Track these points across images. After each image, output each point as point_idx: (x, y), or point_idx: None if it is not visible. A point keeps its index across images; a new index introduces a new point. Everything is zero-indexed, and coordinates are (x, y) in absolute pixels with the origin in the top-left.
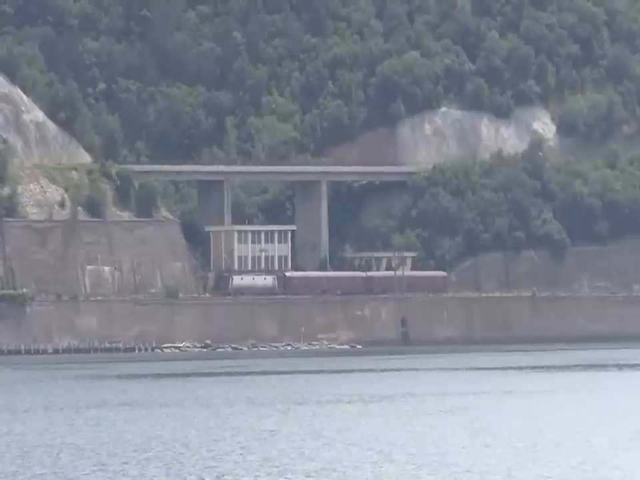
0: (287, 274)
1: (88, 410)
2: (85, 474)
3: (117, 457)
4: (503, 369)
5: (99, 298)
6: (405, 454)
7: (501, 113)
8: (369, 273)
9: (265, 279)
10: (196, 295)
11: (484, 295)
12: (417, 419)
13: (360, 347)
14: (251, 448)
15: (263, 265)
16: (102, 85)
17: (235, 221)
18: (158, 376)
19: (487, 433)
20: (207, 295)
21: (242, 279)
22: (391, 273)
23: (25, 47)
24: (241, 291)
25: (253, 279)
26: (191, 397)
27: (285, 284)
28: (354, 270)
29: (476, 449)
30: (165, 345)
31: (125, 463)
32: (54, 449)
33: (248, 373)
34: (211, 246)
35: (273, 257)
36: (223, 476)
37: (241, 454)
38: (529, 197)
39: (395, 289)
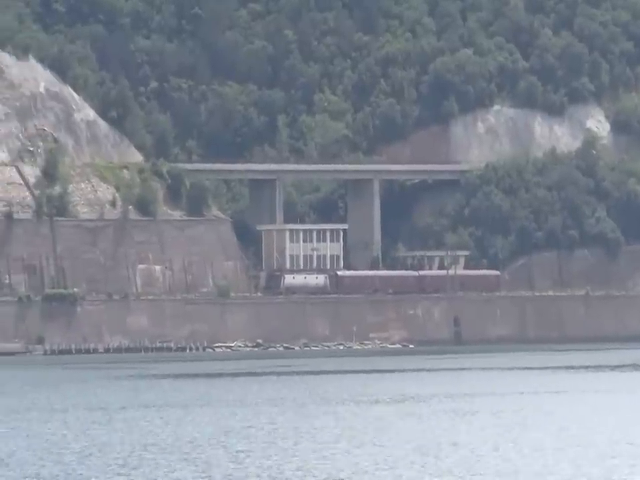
0: (339, 273)
1: (137, 409)
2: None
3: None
4: (556, 368)
5: (150, 297)
6: (448, 455)
7: (555, 111)
8: (421, 272)
9: (316, 278)
10: (247, 294)
11: (537, 293)
12: (466, 420)
13: (412, 346)
14: (288, 448)
15: (314, 264)
16: (153, 84)
17: (287, 220)
18: (209, 375)
19: (536, 434)
20: (259, 294)
21: (293, 278)
22: (443, 271)
23: (77, 46)
24: (292, 290)
25: (305, 278)
26: (240, 396)
27: (337, 283)
28: (406, 269)
29: (521, 450)
30: (216, 345)
31: (156, 466)
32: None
33: (299, 373)
34: (263, 245)
35: (324, 256)
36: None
37: (277, 456)
38: (582, 195)
39: (447, 288)
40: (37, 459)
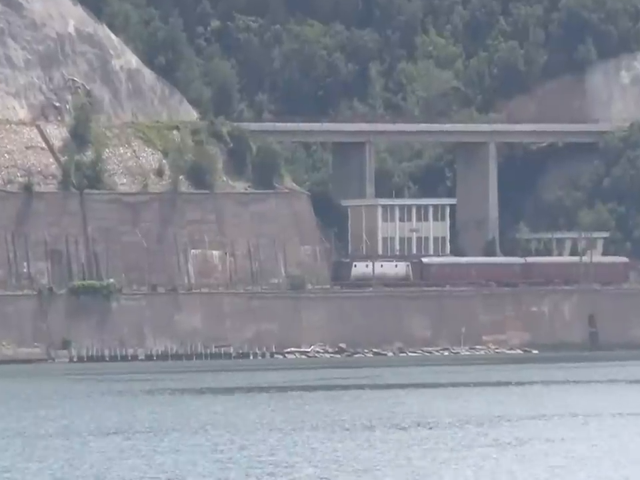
0: (424, 260)
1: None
2: None
3: None
4: None
5: (205, 290)
6: None
7: None
8: (528, 259)
9: (395, 266)
10: (328, 287)
11: None
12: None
13: (536, 351)
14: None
15: (414, 249)
16: (214, 23)
17: (379, 194)
18: (279, 389)
19: None
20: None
21: (367, 266)
22: (553, 258)
23: None
24: (364, 282)
25: (382, 266)
26: (315, 417)
27: (422, 273)
28: (530, 255)
29: None
30: (288, 350)
31: None
32: None
33: (388, 386)
34: (349, 225)
35: (427, 239)
36: None
37: None
38: None
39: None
40: None
